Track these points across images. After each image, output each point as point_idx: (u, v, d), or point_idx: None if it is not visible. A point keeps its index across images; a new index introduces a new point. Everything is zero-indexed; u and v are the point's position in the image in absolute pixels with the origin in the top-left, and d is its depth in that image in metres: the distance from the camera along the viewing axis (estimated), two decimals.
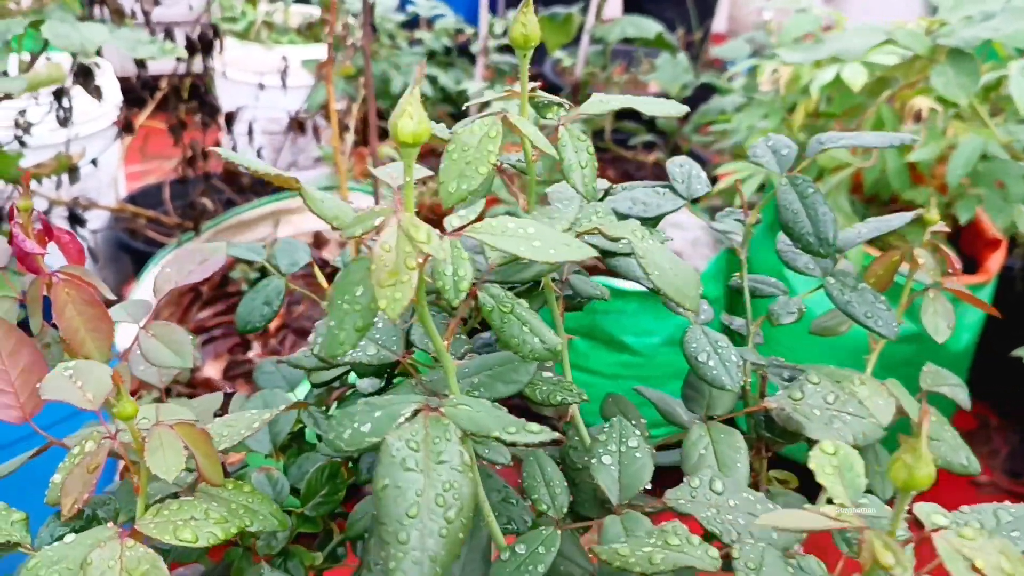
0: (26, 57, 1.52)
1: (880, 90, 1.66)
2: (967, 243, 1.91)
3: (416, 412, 0.47)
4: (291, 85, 2.30)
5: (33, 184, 1.95)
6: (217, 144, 2.57)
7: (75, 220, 1.88)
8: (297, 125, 2.04)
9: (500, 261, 0.58)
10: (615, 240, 0.55)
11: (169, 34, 1.56)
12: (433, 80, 2.70)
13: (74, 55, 1.44)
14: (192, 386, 1.80)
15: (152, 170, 3.26)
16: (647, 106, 0.62)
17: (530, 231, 0.48)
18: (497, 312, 0.53)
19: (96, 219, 2.19)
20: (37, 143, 1.88)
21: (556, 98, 0.64)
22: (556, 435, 0.43)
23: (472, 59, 3.04)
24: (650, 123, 2.46)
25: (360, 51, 2.47)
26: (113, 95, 2.22)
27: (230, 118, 1.80)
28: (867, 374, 0.68)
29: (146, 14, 1.51)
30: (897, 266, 0.69)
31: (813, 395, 0.58)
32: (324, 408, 0.77)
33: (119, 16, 1.44)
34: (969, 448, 0.68)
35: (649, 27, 2.32)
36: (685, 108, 0.64)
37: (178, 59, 1.57)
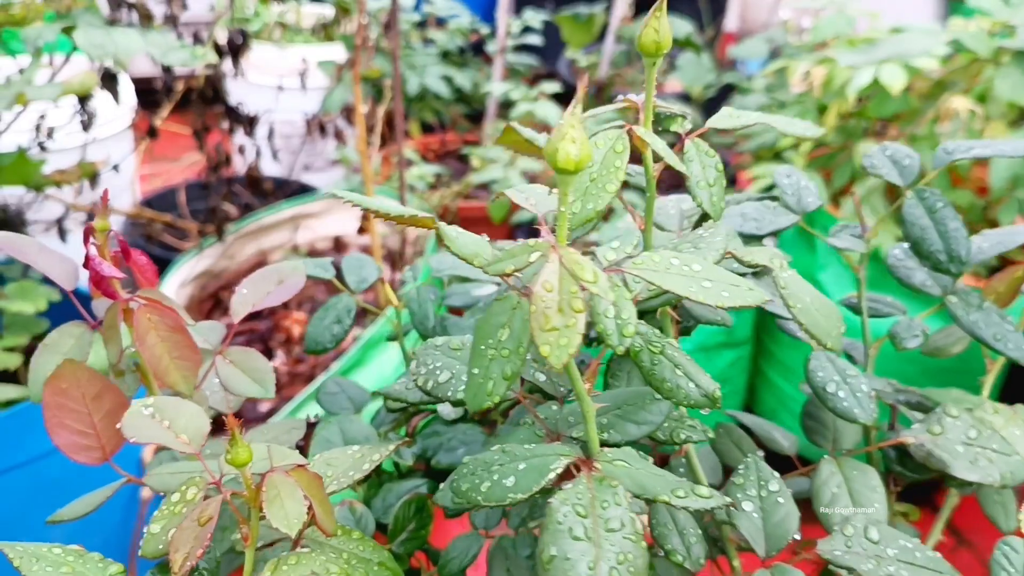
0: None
1: (938, 93, 1.62)
2: None
3: (567, 468, 0.43)
4: (308, 87, 2.25)
5: (50, 189, 1.90)
6: (230, 147, 2.52)
7: None
8: (319, 127, 1.99)
9: (648, 295, 0.54)
10: (751, 267, 0.51)
11: (197, 38, 1.51)
12: (449, 80, 2.65)
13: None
14: None
15: (160, 172, 3.21)
16: (783, 125, 0.57)
17: (695, 268, 0.43)
18: (647, 353, 0.49)
19: (112, 224, 2.15)
20: (53, 147, 1.83)
21: (677, 109, 0.60)
22: (727, 500, 0.39)
23: (487, 59, 3.00)
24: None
25: (379, 52, 2.43)
26: (128, 97, 2.17)
27: (253, 121, 1.76)
28: (984, 397, 0.64)
29: (174, 18, 1.46)
30: (1021, 282, 0.65)
31: (953, 429, 0.54)
32: (407, 435, 0.73)
33: (147, 20, 1.40)
34: None
35: (680, 27, 2.28)
36: (820, 130, 0.60)
37: (209, 65, 1.53)
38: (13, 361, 1.39)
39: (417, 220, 0.45)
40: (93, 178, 1.70)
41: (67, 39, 1.34)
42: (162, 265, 2.11)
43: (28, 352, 1.54)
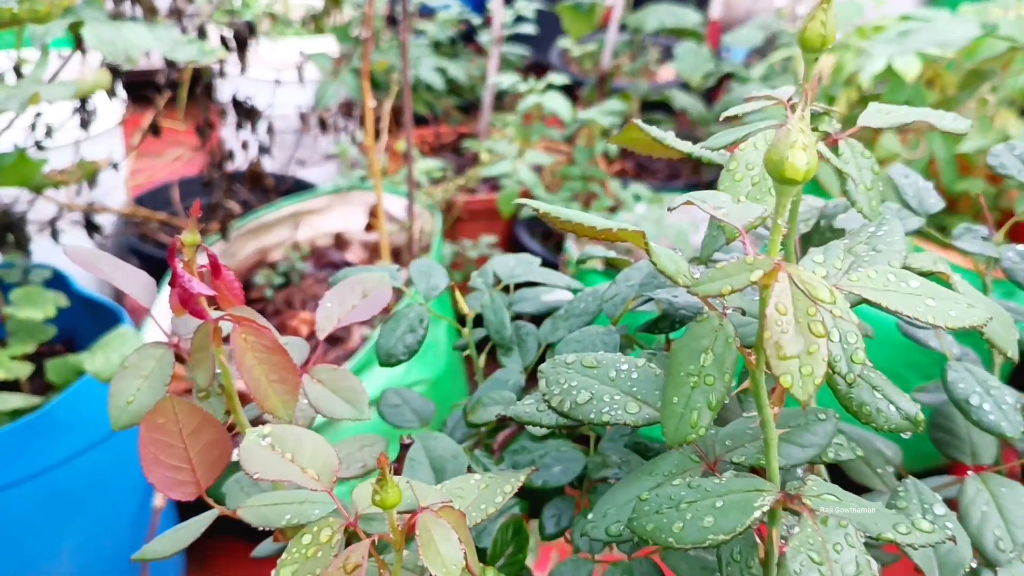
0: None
1: (974, 82, 1.61)
2: (1020, 237, 1.87)
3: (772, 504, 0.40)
4: (289, 80, 2.20)
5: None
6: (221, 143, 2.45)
7: (91, 227, 1.77)
8: (320, 122, 1.94)
9: None
10: (920, 273, 0.47)
11: (202, 32, 1.46)
12: (442, 71, 2.61)
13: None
14: None
15: (143, 169, 3.13)
16: (935, 119, 0.54)
17: (913, 285, 0.40)
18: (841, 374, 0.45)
19: (105, 223, 2.08)
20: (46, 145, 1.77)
21: (825, 106, 0.57)
22: (949, 532, 0.36)
23: (477, 49, 2.96)
24: (679, 115, 2.40)
25: (376, 44, 2.37)
26: (119, 93, 2.11)
27: (256, 115, 1.70)
28: None
29: (179, 12, 1.41)
30: None
31: None
32: (489, 451, 0.69)
33: (151, 13, 1.34)
34: None
35: (686, 16, 2.25)
36: (967, 123, 0.57)
37: (219, 61, 1.47)
38: (24, 370, 1.34)
39: (627, 235, 0.41)
40: (92, 177, 1.64)
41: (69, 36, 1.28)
42: (158, 265, 2.05)
43: (36, 359, 1.49)
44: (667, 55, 2.87)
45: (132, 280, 0.58)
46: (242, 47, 1.53)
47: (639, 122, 0.54)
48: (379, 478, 0.40)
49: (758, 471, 0.45)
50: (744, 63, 2.81)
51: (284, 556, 0.44)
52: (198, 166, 2.87)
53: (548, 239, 2.32)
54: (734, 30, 2.76)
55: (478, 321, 0.76)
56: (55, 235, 1.85)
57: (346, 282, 0.63)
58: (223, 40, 1.53)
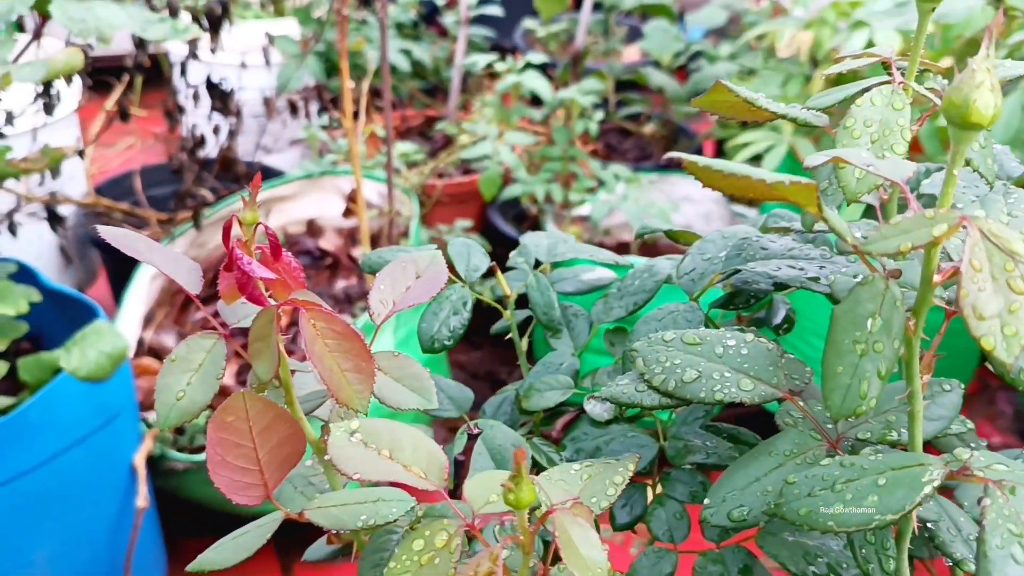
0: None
1: (971, 52, 1.60)
2: None
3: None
4: (253, 64, 2.13)
5: None
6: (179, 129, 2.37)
7: (54, 219, 1.69)
8: (290, 106, 1.87)
9: None
10: None
11: (173, 10, 1.39)
12: (407, 53, 2.55)
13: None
14: None
15: (95, 158, 3.02)
16: None
17: None
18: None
19: (65, 214, 1.99)
20: None
21: (930, 63, 0.53)
22: None
23: (440, 31, 2.90)
24: (655, 93, 2.37)
25: (334, 25, 2.30)
26: (76, 78, 2.01)
27: (229, 99, 1.64)
28: None
29: None
30: None
31: None
32: (548, 439, 0.65)
33: None
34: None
35: None
36: None
37: (191, 41, 1.40)
38: (0, 369, 1.27)
39: (798, 189, 0.37)
40: (57, 165, 1.56)
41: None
42: (124, 257, 1.97)
43: (4, 357, 1.41)
44: (632, 36, 2.84)
45: (176, 265, 0.53)
46: (215, 27, 1.46)
47: (727, 83, 0.51)
48: (514, 475, 0.36)
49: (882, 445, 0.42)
50: (699, 43, 2.79)
51: (392, 564, 0.40)
52: (154, 154, 2.78)
53: (521, 222, 2.28)
54: (695, 10, 2.74)
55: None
56: (12, 229, 1.76)
57: (397, 263, 0.59)
58: (195, 19, 1.46)
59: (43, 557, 1.40)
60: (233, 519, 1.82)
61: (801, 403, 0.47)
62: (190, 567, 0.50)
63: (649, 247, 2.15)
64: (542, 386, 0.65)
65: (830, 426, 0.46)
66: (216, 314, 1.69)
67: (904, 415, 0.43)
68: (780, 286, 0.60)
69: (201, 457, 1.53)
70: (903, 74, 0.48)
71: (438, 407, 0.54)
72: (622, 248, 2.06)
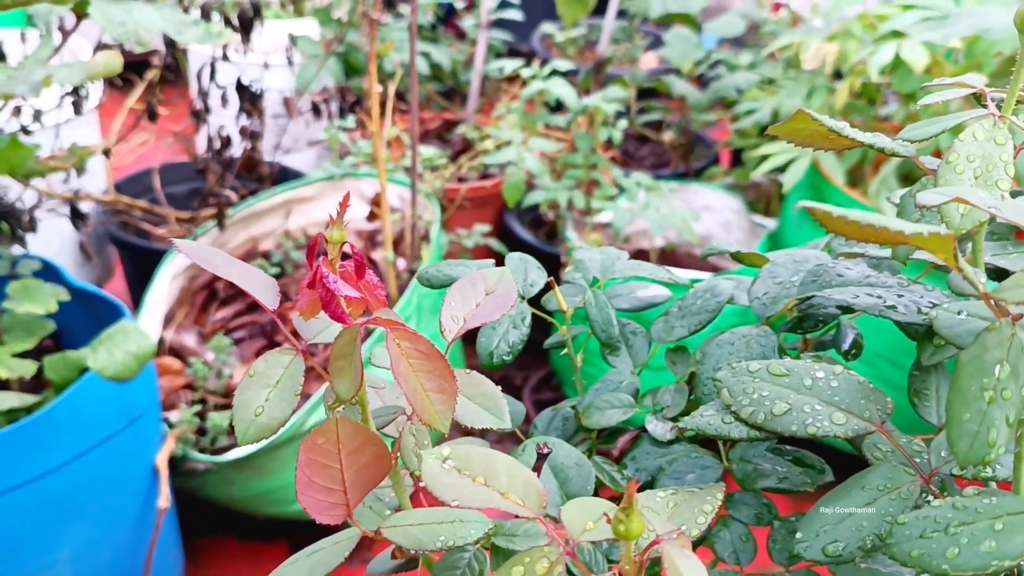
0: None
1: (1008, 72, 1.60)
2: None
3: None
4: (275, 64, 2.13)
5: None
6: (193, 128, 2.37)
7: (77, 216, 1.69)
8: (313, 107, 1.87)
9: None
10: None
11: (206, 13, 1.39)
12: (426, 55, 2.55)
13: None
14: (226, 395, 1.64)
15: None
16: None
17: None
18: None
19: (86, 211, 1.99)
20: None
21: None
22: None
23: (458, 34, 2.90)
24: (675, 100, 2.37)
25: (352, 26, 2.30)
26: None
27: (259, 100, 1.63)
28: None
29: None
30: None
31: None
32: (607, 457, 0.65)
33: None
34: None
35: (691, 2, 2.21)
36: None
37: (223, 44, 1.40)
38: (29, 369, 1.27)
39: (936, 240, 0.37)
40: (83, 164, 1.56)
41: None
42: (140, 255, 1.97)
43: (36, 356, 1.40)
44: (651, 44, 2.84)
45: (252, 279, 0.53)
46: (247, 29, 1.46)
47: (810, 112, 0.50)
48: (625, 506, 0.36)
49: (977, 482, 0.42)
50: (719, 51, 2.79)
51: None
52: (169, 151, 2.78)
53: (539, 228, 2.28)
54: (712, 19, 2.74)
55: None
56: (33, 225, 1.76)
57: (467, 279, 0.59)
58: (227, 22, 1.46)
59: (65, 557, 1.40)
60: (249, 520, 1.82)
61: (890, 435, 0.47)
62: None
63: (668, 255, 2.15)
64: (602, 404, 0.65)
65: (919, 460, 0.46)
66: (238, 313, 1.69)
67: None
68: (846, 310, 0.60)
69: (222, 458, 1.53)
70: (998, 106, 0.48)
71: (510, 426, 0.54)
72: (640, 255, 2.06)
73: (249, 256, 1.93)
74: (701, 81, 2.53)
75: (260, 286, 0.53)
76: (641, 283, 0.75)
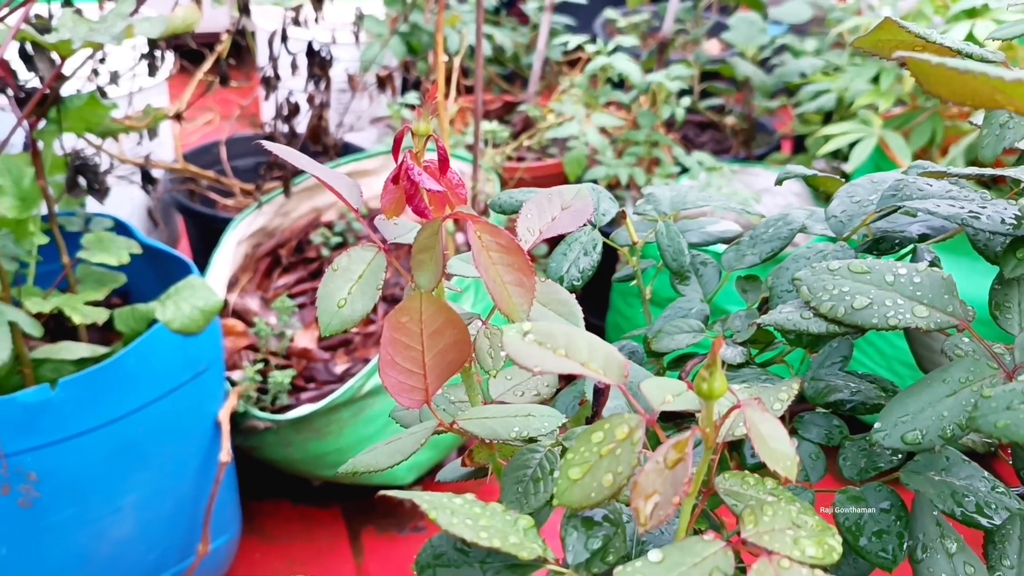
0: None
1: None
2: None
3: None
4: (342, 41, 2.16)
5: (96, 140, 1.79)
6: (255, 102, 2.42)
7: (148, 180, 1.73)
8: (378, 81, 1.89)
9: None
10: None
11: None
12: (489, 37, 2.56)
13: None
14: (287, 357, 1.67)
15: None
16: None
17: None
18: None
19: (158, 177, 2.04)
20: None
21: None
22: None
23: (521, 18, 2.91)
24: (739, 86, 2.36)
25: (416, 7, 2.33)
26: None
27: (328, 67, 1.66)
28: None
29: None
30: None
31: None
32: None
33: None
34: None
35: None
36: None
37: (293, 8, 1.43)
38: (101, 316, 1.30)
39: None
40: (156, 126, 1.60)
41: None
42: (208, 223, 2.01)
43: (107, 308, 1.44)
44: (714, 30, 2.83)
45: (335, 179, 0.54)
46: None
47: (896, 19, 0.50)
48: (708, 364, 0.37)
49: None
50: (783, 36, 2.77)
51: (569, 456, 0.41)
52: (233, 131, 2.82)
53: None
54: (782, 4, 2.72)
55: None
56: (104, 190, 1.80)
57: (543, 194, 0.59)
58: None
59: (130, 504, 1.44)
60: (304, 485, 1.84)
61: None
62: (342, 468, 0.51)
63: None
64: (672, 329, 0.65)
65: (1006, 358, 0.46)
66: (300, 280, 1.71)
67: None
68: (924, 237, 0.59)
69: (282, 417, 1.55)
70: None
71: (582, 327, 0.55)
72: None
73: (312, 226, 1.96)
74: (765, 67, 2.51)
75: (344, 186, 0.54)
76: (712, 219, 0.75)
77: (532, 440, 0.54)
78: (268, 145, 0.54)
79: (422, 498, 0.39)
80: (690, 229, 0.74)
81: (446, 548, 0.42)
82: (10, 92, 1.35)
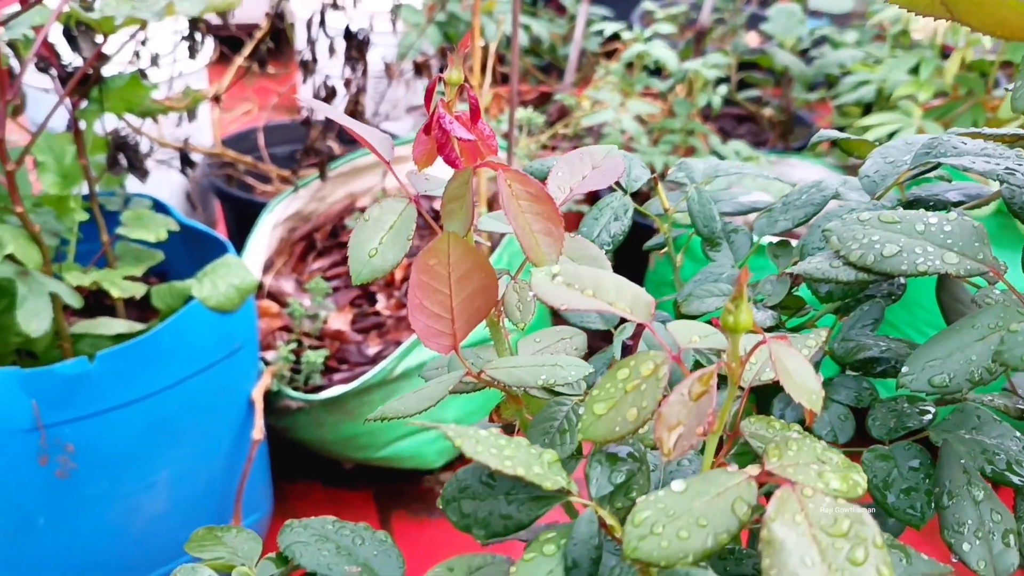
0: None
1: None
2: None
3: None
4: (378, 29, 2.17)
5: (136, 122, 1.82)
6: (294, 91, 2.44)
7: (186, 162, 1.75)
8: (416, 68, 1.90)
9: None
10: None
11: None
12: (526, 28, 2.57)
13: None
14: (321, 338, 1.69)
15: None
16: None
17: None
18: None
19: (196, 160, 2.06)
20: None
21: None
22: None
23: (557, 9, 2.91)
24: (777, 77, 2.35)
25: None
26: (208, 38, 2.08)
27: (365, 48, 1.67)
28: None
29: None
30: None
31: None
32: None
33: None
34: None
35: None
36: None
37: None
38: (139, 290, 1.32)
39: None
40: (195, 108, 1.62)
41: None
42: (245, 208, 2.03)
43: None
44: (753, 21, 2.81)
45: (367, 131, 0.55)
46: None
47: None
48: (734, 297, 0.37)
49: None
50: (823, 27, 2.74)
51: (595, 392, 0.41)
52: (270, 118, 2.85)
53: (634, 197, 2.27)
54: None
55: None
56: (143, 173, 1.83)
57: (574, 153, 0.60)
58: None
59: (163, 479, 1.45)
60: (335, 468, 1.85)
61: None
62: (372, 415, 0.52)
63: None
64: (702, 293, 0.65)
65: None
66: (334, 264, 1.72)
67: None
68: (958, 203, 0.59)
69: (315, 397, 1.57)
70: None
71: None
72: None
73: (347, 211, 1.97)
74: (804, 58, 2.50)
75: (376, 139, 0.55)
76: (743, 191, 0.75)
77: (559, 394, 0.54)
78: (306, 100, 0.54)
79: (448, 428, 0.40)
80: (722, 199, 0.74)
81: (471, 481, 0.42)
82: (54, 72, 1.37)
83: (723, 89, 2.01)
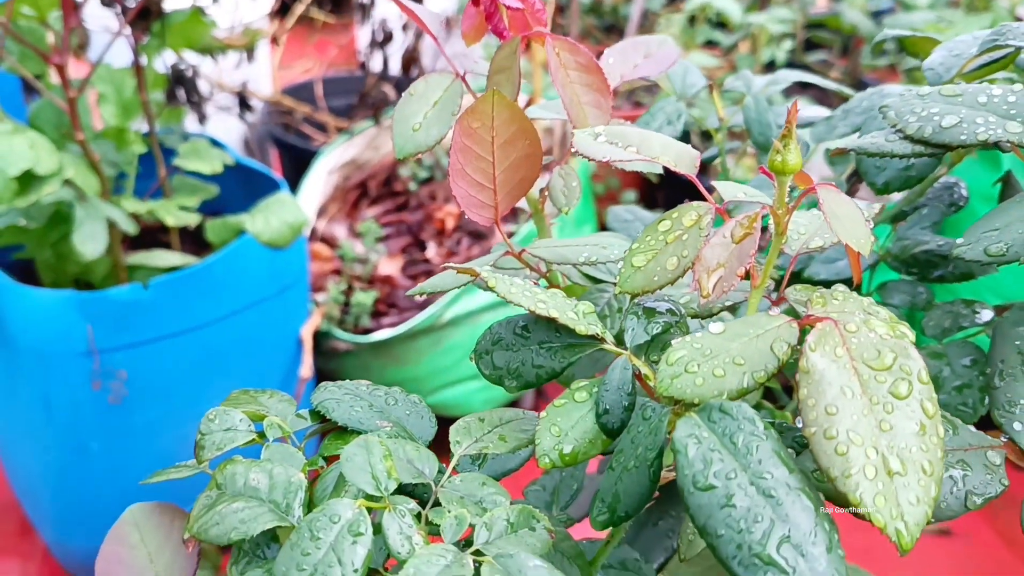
0: None
1: None
2: None
3: None
4: None
5: (196, 61, 1.84)
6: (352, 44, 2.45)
7: (244, 106, 1.77)
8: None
9: None
10: None
11: None
12: None
13: None
14: (371, 282, 1.69)
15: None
16: None
17: None
18: None
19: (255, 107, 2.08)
20: None
21: None
22: None
23: None
24: (847, 34, 2.29)
25: None
26: None
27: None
28: None
29: None
30: None
31: None
32: None
33: None
34: None
35: None
36: None
37: None
38: (193, 219, 1.33)
39: None
40: (251, 51, 1.63)
41: None
42: (302, 156, 2.04)
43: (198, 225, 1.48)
44: None
45: (418, 8, 0.54)
46: None
47: None
48: (784, 135, 0.35)
49: None
50: None
51: (635, 246, 0.40)
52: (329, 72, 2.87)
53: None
54: None
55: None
56: (202, 117, 1.84)
57: (627, 42, 0.58)
58: None
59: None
60: None
61: None
62: (410, 292, 0.51)
63: None
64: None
65: None
66: (387, 212, 1.72)
67: None
68: None
69: (364, 339, 1.57)
70: None
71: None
72: None
73: (401, 160, 1.97)
74: (874, 20, 2.43)
75: (425, 15, 0.54)
76: (798, 103, 0.73)
77: (600, 281, 0.53)
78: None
79: (483, 270, 0.39)
80: (778, 114, 0.72)
81: (505, 333, 0.41)
82: (117, 8, 1.39)
83: (788, 44, 1.97)
